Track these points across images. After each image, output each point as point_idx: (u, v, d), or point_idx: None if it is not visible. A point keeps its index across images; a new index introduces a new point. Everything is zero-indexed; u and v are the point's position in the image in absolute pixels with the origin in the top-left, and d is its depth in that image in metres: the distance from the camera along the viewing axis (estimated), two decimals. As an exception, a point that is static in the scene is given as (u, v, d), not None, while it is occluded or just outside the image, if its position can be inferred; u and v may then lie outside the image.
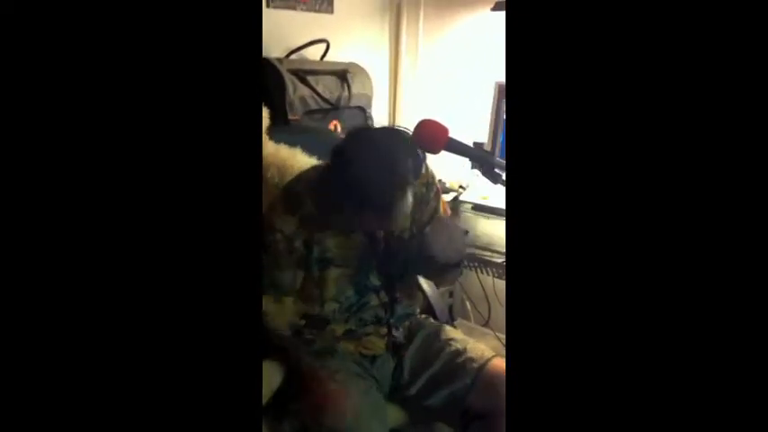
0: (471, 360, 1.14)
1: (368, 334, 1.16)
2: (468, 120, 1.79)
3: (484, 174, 1.11)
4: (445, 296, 1.98)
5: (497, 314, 1.96)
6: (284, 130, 1.54)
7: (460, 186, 1.82)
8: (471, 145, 1.43)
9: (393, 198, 0.92)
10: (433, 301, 1.42)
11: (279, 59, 1.69)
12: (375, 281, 1.14)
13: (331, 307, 1.11)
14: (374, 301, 1.15)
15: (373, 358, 1.17)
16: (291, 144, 1.35)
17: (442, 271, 1.14)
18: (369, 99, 1.88)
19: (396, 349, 1.19)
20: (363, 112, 1.87)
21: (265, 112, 1.38)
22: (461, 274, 1.25)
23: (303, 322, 1.12)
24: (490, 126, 1.72)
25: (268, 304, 1.06)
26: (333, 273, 1.09)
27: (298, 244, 1.05)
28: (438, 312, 1.41)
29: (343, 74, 1.78)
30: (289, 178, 1.18)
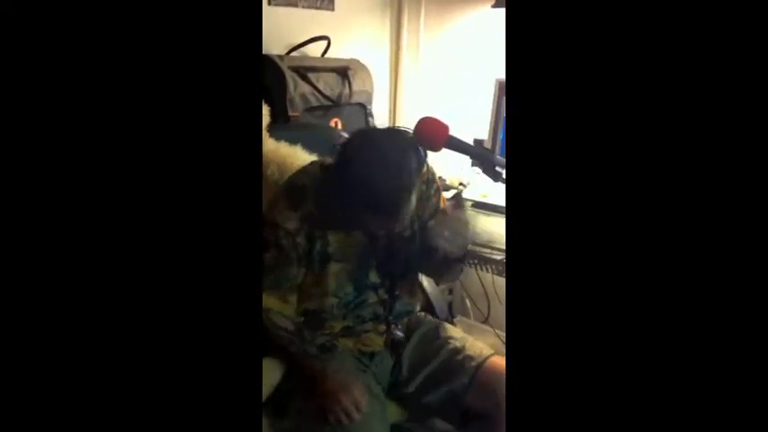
0: (470, 358, 1.14)
1: (366, 331, 1.16)
2: (468, 116, 1.78)
3: (484, 171, 1.11)
4: (445, 293, 1.98)
5: (497, 311, 1.96)
6: (285, 127, 1.54)
7: (461, 183, 1.82)
8: (471, 142, 1.43)
9: (398, 200, 0.92)
10: (432, 298, 1.42)
11: (279, 56, 1.68)
12: (374, 278, 1.14)
13: (330, 302, 1.11)
14: (372, 298, 1.15)
15: (372, 355, 1.18)
16: (292, 141, 1.35)
17: (445, 266, 1.14)
18: (369, 96, 1.88)
19: (395, 346, 1.19)
20: (364, 108, 1.87)
21: (266, 110, 1.38)
22: (462, 270, 1.25)
23: (302, 319, 1.12)
24: (490, 123, 1.72)
25: (270, 301, 1.06)
26: (333, 268, 1.09)
27: (300, 239, 1.05)
28: (437, 309, 1.41)
29: (343, 71, 1.78)
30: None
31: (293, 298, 1.10)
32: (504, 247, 1.42)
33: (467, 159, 1.70)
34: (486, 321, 2.02)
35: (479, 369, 1.12)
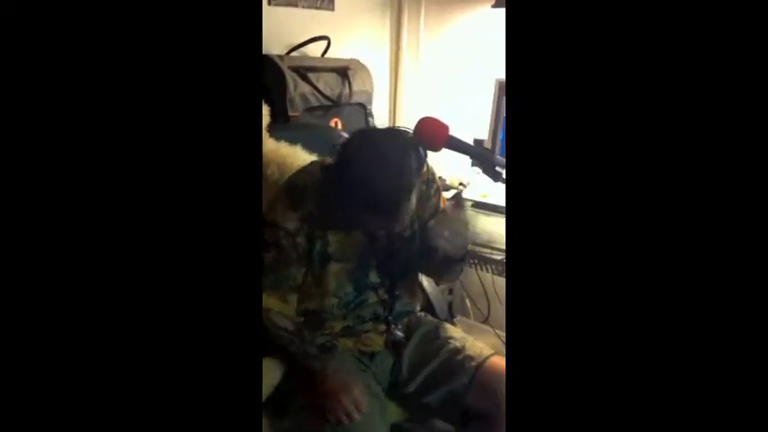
0: (470, 358, 1.14)
1: (366, 331, 1.16)
2: (468, 116, 1.78)
3: (484, 171, 1.11)
4: (445, 293, 1.98)
5: (497, 311, 1.96)
6: (285, 127, 1.54)
7: (461, 183, 1.82)
8: (471, 142, 1.43)
9: (398, 200, 0.93)
10: (432, 298, 1.42)
11: (280, 56, 1.69)
12: (374, 278, 1.14)
13: (330, 302, 1.11)
14: (372, 298, 1.15)
15: (372, 355, 1.18)
16: (292, 141, 1.35)
17: (446, 266, 1.14)
18: (369, 96, 1.88)
19: (395, 346, 1.19)
20: (364, 108, 1.87)
21: (266, 110, 1.38)
22: (462, 270, 1.25)
23: (302, 319, 1.12)
24: (490, 123, 1.72)
25: (270, 301, 1.06)
26: (333, 267, 1.09)
27: (300, 239, 1.05)
28: (437, 309, 1.41)
29: (343, 71, 1.78)
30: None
31: (293, 298, 1.10)
32: (504, 247, 1.42)
33: (467, 159, 1.70)
34: (486, 321, 2.02)
35: (479, 369, 1.12)
